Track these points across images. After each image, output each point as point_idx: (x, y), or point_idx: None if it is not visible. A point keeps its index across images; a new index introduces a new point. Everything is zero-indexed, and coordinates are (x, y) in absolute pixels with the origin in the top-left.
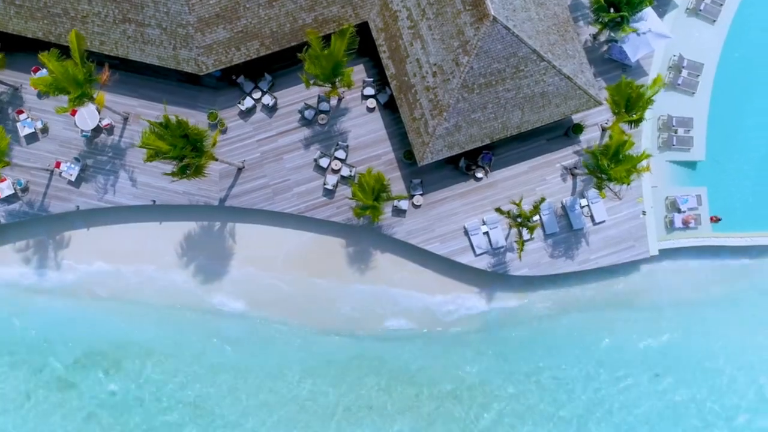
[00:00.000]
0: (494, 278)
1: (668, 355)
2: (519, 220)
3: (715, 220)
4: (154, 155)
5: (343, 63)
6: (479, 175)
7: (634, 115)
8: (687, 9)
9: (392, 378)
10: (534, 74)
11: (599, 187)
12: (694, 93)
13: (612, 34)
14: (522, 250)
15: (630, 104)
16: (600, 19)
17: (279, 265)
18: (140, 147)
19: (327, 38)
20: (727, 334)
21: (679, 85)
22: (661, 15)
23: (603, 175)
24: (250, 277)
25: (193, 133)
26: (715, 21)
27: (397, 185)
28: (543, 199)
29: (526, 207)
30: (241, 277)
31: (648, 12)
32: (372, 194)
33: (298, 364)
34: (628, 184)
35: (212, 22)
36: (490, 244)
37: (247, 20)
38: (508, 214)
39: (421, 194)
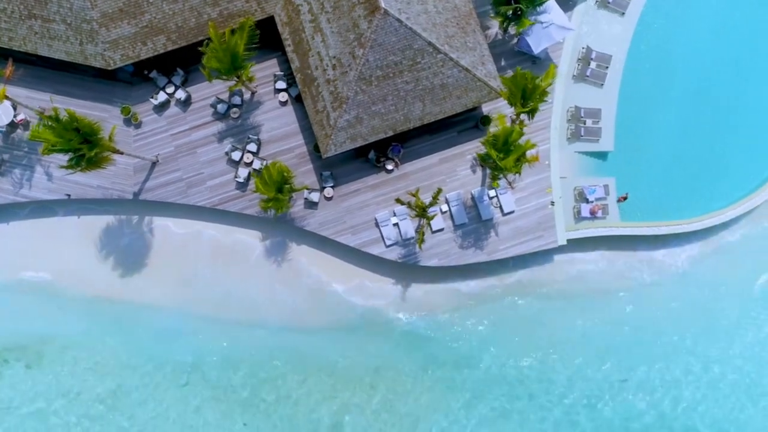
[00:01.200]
0: (410, 269)
1: (581, 343)
2: (419, 211)
3: (622, 199)
4: (51, 148)
5: (241, 57)
6: (389, 167)
7: (530, 105)
8: (597, 1)
9: (309, 368)
10: (432, 66)
11: (493, 177)
12: (602, 84)
13: (513, 27)
14: (422, 240)
15: (526, 95)
16: (499, 12)
17: (195, 259)
18: (30, 140)
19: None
20: (632, 321)
21: (587, 76)
22: (570, 7)
23: (494, 165)
24: (168, 271)
25: (84, 125)
26: (624, 13)
27: (309, 178)
28: (440, 190)
29: (427, 198)
30: (158, 270)
31: (551, 5)
32: (274, 187)
33: (217, 355)
34: (519, 174)
35: (116, 17)
36: (400, 236)
37: (152, 15)
38: (408, 205)
39: (332, 186)
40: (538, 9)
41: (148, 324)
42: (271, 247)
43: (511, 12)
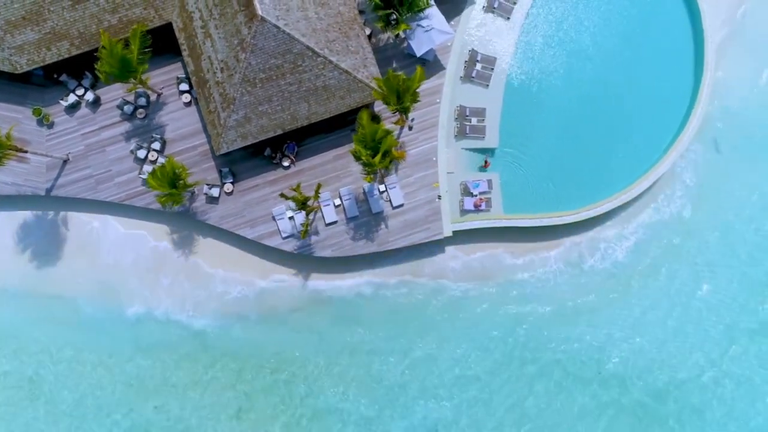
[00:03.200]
0: (308, 260)
1: (472, 330)
2: (299, 205)
3: (486, 165)
4: None
5: (134, 62)
6: (285, 163)
7: (403, 105)
8: (484, 6)
9: (215, 355)
10: (313, 69)
11: (367, 173)
12: (488, 85)
13: (392, 31)
14: (305, 232)
15: (400, 95)
16: (379, 17)
17: (106, 252)
18: None
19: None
20: (509, 311)
21: (473, 77)
22: (458, 11)
23: (364, 162)
24: (80, 262)
25: None
26: (509, 18)
27: (211, 174)
28: (320, 185)
29: (325, 193)
30: (70, 262)
31: (432, 11)
32: (167, 182)
33: (130, 344)
34: (387, 169)
35: (19, 24)
36: (296, 228)
37: (54, 22)
38: (292, 199)
39: (231, 182)
40: (420, 15)
41: (64, 313)
42: (178, 240)
43: (387, 17)
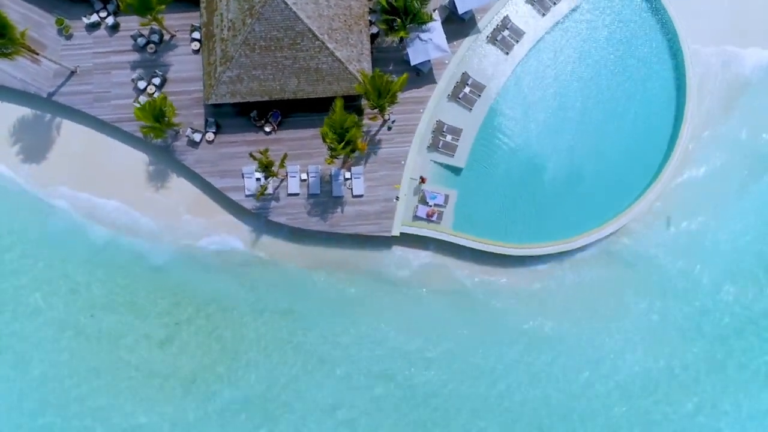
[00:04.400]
0: (268, 225)
1: (394, 318)
2: (261, 167)
3: (422, 181)
4: None
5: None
6: (267, 129)
7: (380, 103)
8: (488, 36)
9: (159, 285)
10: (309, 50)
11: (330, 155)
12: (471, 109)
13: (392, 36)
14: (262, 193)
15: (381, 93)
16: (384, 20)
17: (85, 165)
18: None
19: None
20: (433, 322)
21: (459, 98)
22: (463, 35)
23: (329, 145)
24: (61, 170)
25: None
26: (508, 53)
27: (198, 120)
28: (286, 156)
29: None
30: (52, 166)
31: (435, 26)
32: (152, 116)
33: (85, 254)
34: (350, 157)
35: None
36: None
37: None
38: (259, 161)
39: (214, 132)
40: (422, 27)
41: (33, 211)
42: (153, 172)
43: (391, 21)
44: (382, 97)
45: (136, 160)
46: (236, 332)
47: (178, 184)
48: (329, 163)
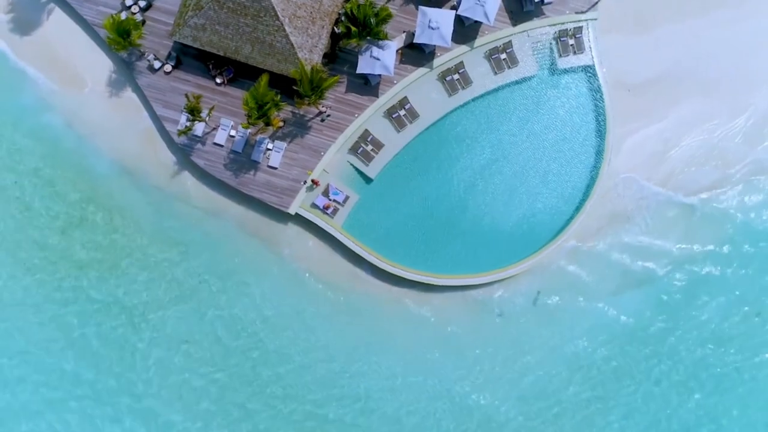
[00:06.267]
0: (190, 164)
1: (268, 283)
2: (187, 109)
3: (316, 183)
4: None
5: None
6: (218, 80)
7: (310, 94)
8: (439, 74)
9: (79, 174)
10: (269, 26)
11: (247, 122)
12: (400, 131)
13: (344, 41)
14: (183, 133)
15: (313, 86)
16: (343, 23)
17: (63, 48)
18: None
19: None
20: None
21: (393, 117)
22: (419, 64)
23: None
24: (41, 52)
25: None
26: (451, 95)
27: (164, 49)
28: (214, 107)
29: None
30: (35, 42)
31: (390, 45)
32: (117, 31)
33: (30, 124)
34: (262, 129)
35: None
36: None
37: None
38: (189, 103)
39: (173, 66)
40: (378, 42)
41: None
42: (112, 78)
43: (349, 27)
44: (313, 89)
45: (100, 62)
46: (132, 246)
47: (127, 100)
48: (245, 127)
